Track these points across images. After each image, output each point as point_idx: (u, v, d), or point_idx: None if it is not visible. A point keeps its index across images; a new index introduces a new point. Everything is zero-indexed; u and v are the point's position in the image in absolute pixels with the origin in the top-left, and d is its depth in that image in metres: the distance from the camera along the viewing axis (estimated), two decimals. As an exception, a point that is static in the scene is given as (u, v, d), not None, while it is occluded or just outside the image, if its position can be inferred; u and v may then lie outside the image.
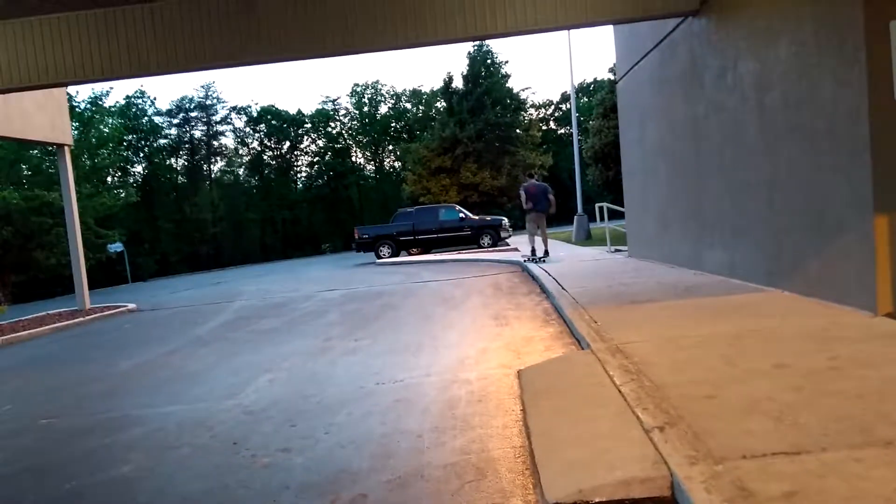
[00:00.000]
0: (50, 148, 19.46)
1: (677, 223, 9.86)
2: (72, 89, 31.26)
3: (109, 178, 41.60)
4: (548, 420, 3.73)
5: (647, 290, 7.65)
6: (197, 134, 52.33)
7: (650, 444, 2.93)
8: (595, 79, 51.59)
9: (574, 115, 23.79)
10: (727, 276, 7.83)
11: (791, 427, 2.91)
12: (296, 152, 54.87)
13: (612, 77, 14.52)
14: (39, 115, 14.10)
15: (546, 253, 13.83)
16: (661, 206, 10.67)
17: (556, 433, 3.49)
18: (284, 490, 3.27)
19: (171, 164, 51.56)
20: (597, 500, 2.69)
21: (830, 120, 5.46)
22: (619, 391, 3.74)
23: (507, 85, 44.12)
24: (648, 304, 6.70)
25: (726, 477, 2.50)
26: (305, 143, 54.80)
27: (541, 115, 53.78)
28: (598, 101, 28.64)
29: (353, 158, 55.31)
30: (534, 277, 10.98)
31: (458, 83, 43.22)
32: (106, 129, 37.86)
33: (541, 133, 47.20)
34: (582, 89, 50.61)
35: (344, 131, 55.36)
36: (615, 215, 16.25)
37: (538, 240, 13.86)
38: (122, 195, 38.57)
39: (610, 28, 12.95)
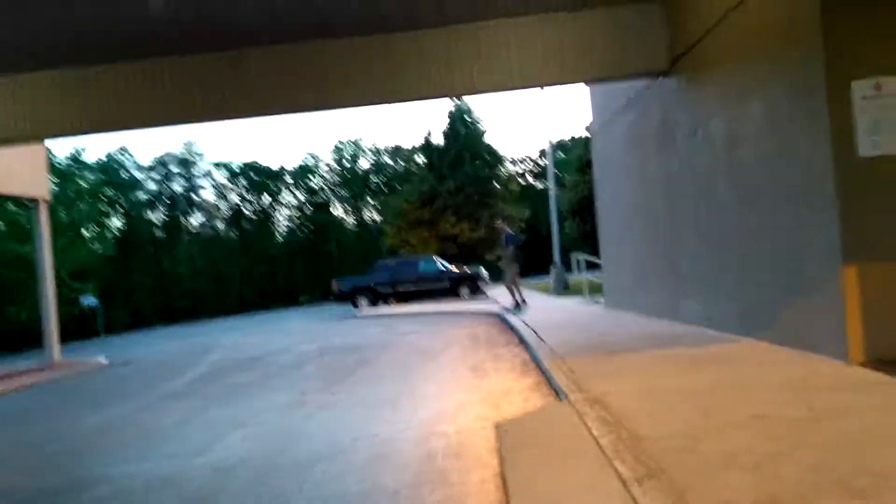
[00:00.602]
0: (26, 202, 19.25)
1: (653, 275, 9.96)
2: (51, 144, 31.22)
3: (86, 233, 41.21)
4: (526, 474, 3.66)
5: (624, 341, 7.66)
6: (177, 188, 52.27)
7: (629, 498, 2.89)
8: (572, 137, 52.73)
9: (551, 169, 24.21)
10: (704, 326, 7.88)
11: (769, 479, 2.89)
12: (276, 206, 54.94)
13: (588, 135, 14.95)
14: (18, 169, 14.02)
15: (521, 303, 13.95)
16: (638, 259, 10.79)
17: (533, 487, 3.43)
18: (254, 551, 3.15)
19: (149, 219, 51.23)
20: (575, 556, 2.63)
21: (800, 176, 5.61)
22: (598, 443, 3.70)
23: (485, 140, 44.93)
24: (626, 355, 6.70)
25: (705, 530, 2.46)
26: (286, 197, 54.97)
27: (519, 171, 54.71)
28: (575, 156, 29.35)
29: (333, 211, 55.49)
30: (512, 328, 10.96)
31: (437, 139, 43.94)
32: (84, 184, 37.71)
33: (519, 188, 47.89)
34: (559, 146, 51.67)
35: (325, 185, 55.70)
36: (591, 266, 16.38)
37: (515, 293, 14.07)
38: (100, 250, 38.19)
39: (587, 87, 13.34)
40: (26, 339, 27.73)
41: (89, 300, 30.11)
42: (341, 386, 7.64)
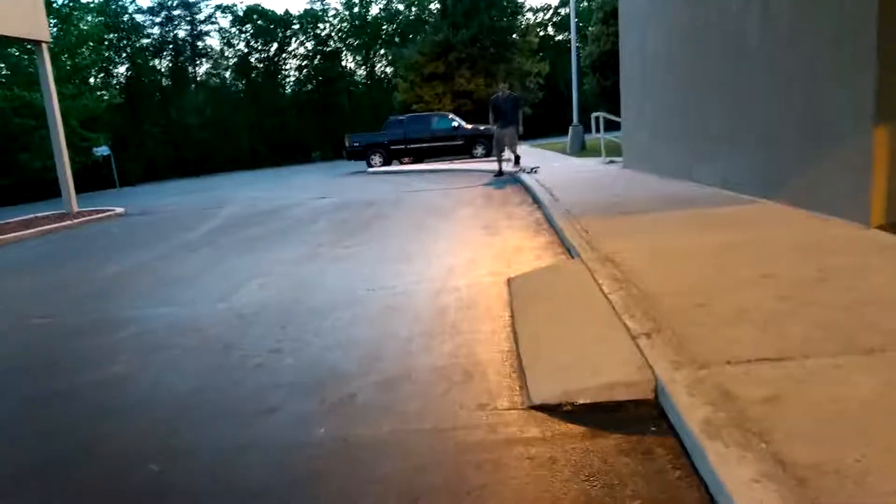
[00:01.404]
0: (28, 45, 18.67)
1: (673, 134, 9.70)
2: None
3: (92, 80, 40.35)
4: (535, 326, 3.76)
5: (639, 201, 7.61)
6: (181, 34, 50.48)
7: (636, 350, 2.97)
8: (596, -18, 49.55)
9: (573, 20, 22.93)
10: (720, 187, 7.78)
11: (775, 335, 2.95)
12: (283, 55, 53.14)
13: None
14: (14, 10, 13.43)
15: (517, 160, 13.94)
16: (658, 117, 10.46)
17: (543, 338, 3.53)
18: (275, 389, 3.32)
19: (154, 66, 49.91)
20: (581, 401, 2.75)
21: (836, 26, 5.25)
22: (608, 299, 3.76)
23: (503, -14, 42.32)
24: (640, 215, 6.68)
25: (709, 381, 2.54)
26: (293, 45, 52.99)
27: (538, 20, 51.97)
28: (598, 5, 27.59)
29: (344, 63, 53.69)
30: (526, 188, 10.90)
31: (453, -17, 41.39)
32: (85, 27, 36.36)
33: (538, 39, 45.73)
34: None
35: (333, 34, 53.44)
36: (611, 126, 15.99)
37: (505, 155, 14.02)
38: (106, 97, 37.55)
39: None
40: (42, 188, 28.14)
41: (102, 150, 30.07)
42: (354, 240, 7.74)
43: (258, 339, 4.19)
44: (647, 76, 10.98)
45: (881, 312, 3.10)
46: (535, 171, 13.06)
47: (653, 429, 2.53)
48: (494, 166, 14.53)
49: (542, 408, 2.79)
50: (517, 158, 14.11)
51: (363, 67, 54.87)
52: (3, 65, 31.29)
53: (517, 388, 3.03)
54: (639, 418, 2.61)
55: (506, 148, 13.92)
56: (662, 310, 3.45)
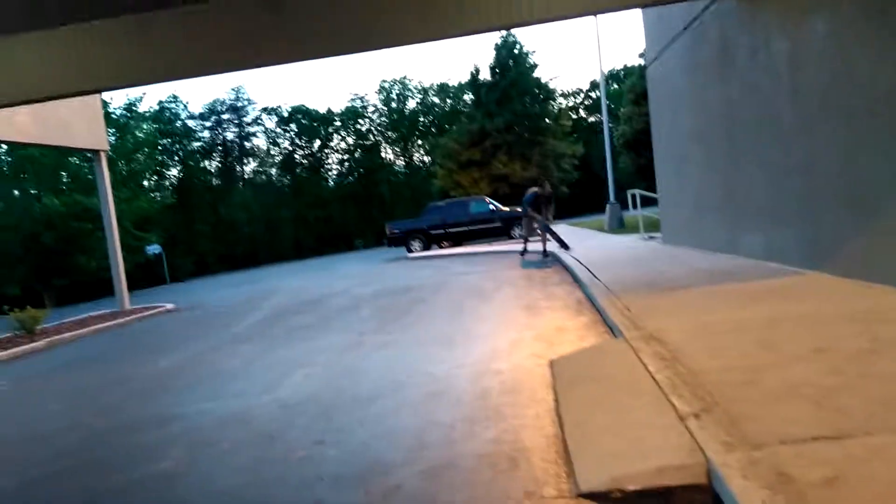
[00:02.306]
0: (88, 154, 19.95)
1: (712, 208, 9.67)
2: (106, 96, 32.02)
3: (146, 182, 42.55)
4: (581, 409, 3.69)
5: (681, 277, 7.53)
6: (229, 136, 53.19)
7: (685, 432, 2.88)
8: (625, 65, 50.89)
9: (604, 102, 23.48)
10: (764, 259, 7.66)
11: (832, 412, 2.83)
12: (326, 150, 55.34)
13: (643, 63, 14.31)
14: (76, 123, 14.47)
15: (544, 253, 14.15)
16: (696, 192, 10.47)
17: (589, 422, 3.46)
18: (319, 482, 3.30)
19: (204, 167, 52.44)
20: (631, 488, 2.66)
21: (869, 100, 5.28)
22: (654, 379, 3.68)
23: (534, 75, 43.71)
24: (683, 291, 6.59)
25: (765, 463, 2.44)
26: (336, 140, 55.23)
27: (570, 104, 53.26)
28: (628, 87, 28.26)
29: (383, 154, 55.55)
30: (566, 267, 10.89)
31: (485, 75, 42.99)
32: (141, 135, 38.72)
33: (571, 122, 46.71)
34: (611, 76, 50.03)
35: (373, 128, 55.62)
36: (648, 202, 16.02)
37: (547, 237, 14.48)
38: (159, 198, 39.45)
39: (639, 13, 12.75)
40: (97, 288, 29.26)
41: (154, 248, 31.32)
42: (396, 326, 7.79)
43: (303, 431, 4.20)
44: (681, 153, 11.08)
45: (943, 384, 2.96)
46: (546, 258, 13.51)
47: (707, 515, 2.42)
48: (533, 247, 14.75)
49: (591, 496, 2.71)
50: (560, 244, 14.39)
51: (402, 158, 56.65)
52: (64, 173, 33.32)
53: (564, 476, 2.95)
54: (691, 503, 2.51)
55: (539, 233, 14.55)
56: (711, 388, 3.36)
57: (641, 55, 29.15)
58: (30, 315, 12.93)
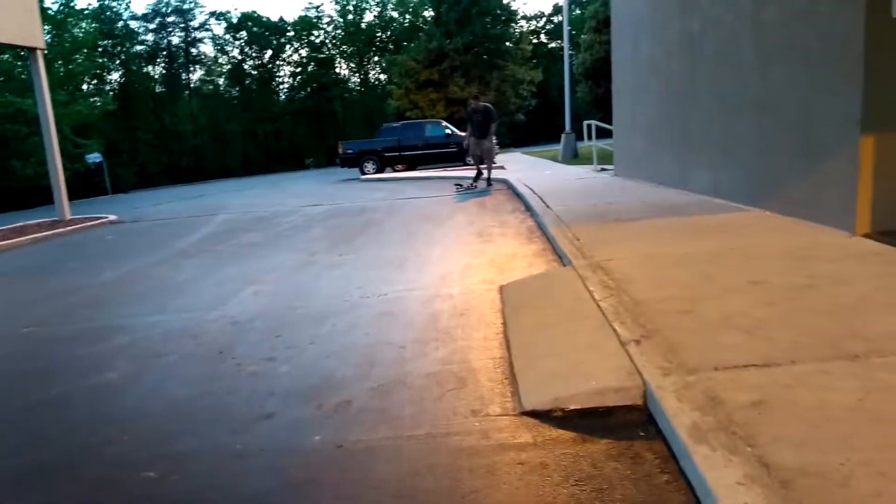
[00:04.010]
0: (21, 52, 18.68)
1: (665, 143, 9.80)
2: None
3: (85, 86, 40.34)
4: (527, 333, 3.82)
5: (630, 209, 7.69)
6: (175, 41, 50.47)
7: (626, 357, 3.02)
8: (588, -10, 49.90)
9: (566, 28, 23.09)
10: (711, 196, 7.87)
11: (763, 341, 3.01)
12: (278, 62, 53.21)
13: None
14: (8, 17, 13.43)
15: (487, 182, 13.35)
16: (651, 126, 10.57)
17: (535, 345, 3.59)
18: (270, 396, 3.36)
19: (148, 73, 49.84)
20: (571, 407, 2.80)
21: (826, 38, 5.35)
22: (599, 306, 3.82)
23: (496, -6, 42.51)
24: (631, 223, 6.76)
25: (697, 387, 2.60)
26: (288, 52, 53.08)
27: (532, 28, 52.26)
28: (590, 13, 27.76)
29: (338, 70, 53.79)
30: (518, 195, 10.97)
31: (446, -9, 41.56)
32: (80, 34, 36.37)
33: (531, 47, 45.95)
34: (576, 2, 49.03)
35: (328, 41, 53.56)
36: (603, 134, 16.10)
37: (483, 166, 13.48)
38: (99, 103, 37.53)
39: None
40: (33, 195, 28.05)
41: (94, 157, 30.02)
42: (349, 247, 7.78)
43: (253, 347, 4.23)
44: (639, 84, 11.09)
45: (865, 319, 3.17)
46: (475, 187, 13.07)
47: (641, 434, 2.58)
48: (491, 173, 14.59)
49: (534, 414, 2.84)
50: (478, 174, 13.51)
51: (357, 74, 54.99)
52: (-3, 71, 31.28)
53: (509, 395, 3.08)
54: (628, 423, 2.67)
55: (482, 159, 13.42)
56: (652, 316, 3.51)
57: (606, -19, 28.52)
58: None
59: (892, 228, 4.93)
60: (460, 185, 13.60)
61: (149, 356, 4.26)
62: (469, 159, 13.91)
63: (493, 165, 14.10)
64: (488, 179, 13.55)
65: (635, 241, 5.73)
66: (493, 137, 13.33)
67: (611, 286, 4.21)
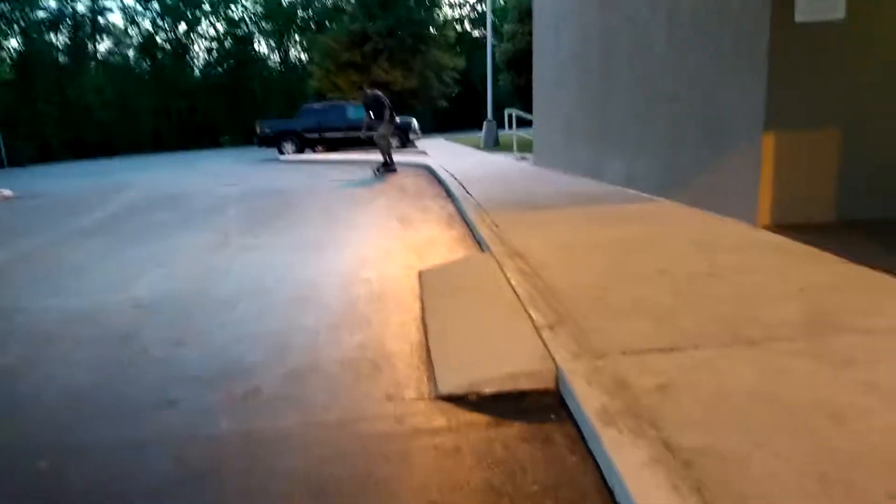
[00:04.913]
0: None
1: (583, 133, 10.03)
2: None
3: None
4: (445, 318, 3.82)
5: (548, 197, 7.83)
6: (80, 8, 47.41)
7: (539, 341, 3.07)
8: (513, -20, 50.33)
9: (489, 16, 23.23)
10: (625, 186, 8.13)
11: (668, 327, 3.12)
12: (192, 36, 50.96)
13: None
14: None
15: (384, 166, 13.76)
16: (569, 116, 10.79)
17: (452, 330, 3.59)
18: (176, 382, 3.21)
19: (50, 41, 46.60)
20: (486, 391, 2.81)
21: (734, 35, 5.59)
22: (515, 292, 3.86)
23: (421, -21, 42.24)
24: (548, 211, 6.88)
25: (606, 371, 2.66)
26: (204, 26, 50.91)
27: (456, 16, 52.30)
28: (513, 3, 28.04)
29: (256, 47, 52.10)
30: (440, 181, 10.98)
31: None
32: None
33: (455, 34, 45.99)
34: (499, -10, 49.34)
35: (246, 17, 51.73)
36: (523, 123, 16.33)
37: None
38: (-5, 72, 34.81)
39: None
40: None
41: (-12, 128, 27.88)
42: (265, 229, 7.57)
43: (160, 331, 4.03)
44: (559, 76, 11.29)
45: (762, 306, 3.34)
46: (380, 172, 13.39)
47: (553, 417, 2.62)
48: (410, 158, 14.58)
49: (449, 398, 2.84)
50: (385, 162, 13.82)
51: (276, 53, 53.45)
52: None
53: (425, 380, 3.07)
54: (540, 407, 2.71)
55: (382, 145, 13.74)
56: (565, 302, 3.57)
57: (530, -28, 28.86)
58: None
59: (790, 222, 5.24)
60: (379, 170, 13.56)
61: (43, 341, 3.99)
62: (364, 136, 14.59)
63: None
64: (385, 164, 13.79)
65: (551, 228, 5.84)
66: (391, 124, 13.72)
67: (527, 272, 4.26)
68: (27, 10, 44.36)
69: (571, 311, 3.41)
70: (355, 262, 5.61)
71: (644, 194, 7.46)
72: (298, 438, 2.60)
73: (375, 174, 13.42)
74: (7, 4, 42.27)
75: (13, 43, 44.25)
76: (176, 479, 2.38)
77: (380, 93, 13.79)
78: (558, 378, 2.76)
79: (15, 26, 44.05)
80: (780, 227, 5.19)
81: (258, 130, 22.72)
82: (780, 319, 3.14)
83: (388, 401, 2.88)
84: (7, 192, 13.88)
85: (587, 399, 2.45)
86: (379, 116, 13.40)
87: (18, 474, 2.46)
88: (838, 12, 5.04)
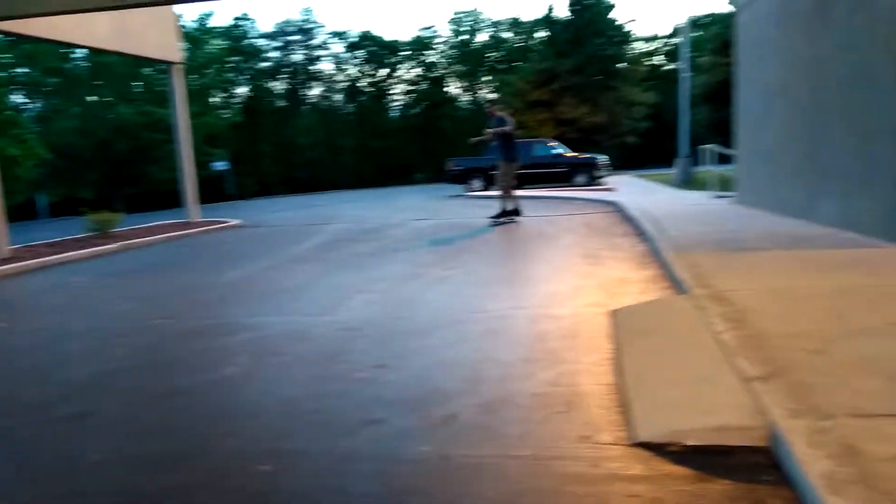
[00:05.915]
0: (161, 66, 20.36)
1: (790, 171, 9.24)
2: (179, 10, 32.27)
3: (214, 99, 43.27)
4: (641, 361, 3.68)
5: (753, 238, 7.29)
6: (297, 58, 53.24)
7: (749, 394, 2.84)
8: (711, 14, 48.19)
9: (685, 48, 22.40)
10: (840, 228, 7.33)
11: (908, 389, 2.75)
12: (391, 80, 54.90)
13: (732, 9, 13.46)
14: (151, 33, 14.70)
15: (514, 212, 11.81)
16: (775, 151, 10.01)
17: (649, 374, 3.45)
18: (378, 402, 3.42)
19: (271, 88, 52.81)
20: (689, 442, 2.66)
21: None
22: (719, 339, 3.63)
23: (610, 16, 41.90)
24: (752, 253, 6.40)
25: (832, 434, 2.40)
26: (402, 70, 54.68)
27: (647, 50, 51.11)
28: (712, 35, 26.82)
29: (449, 88, 54.80)
30: (630, 219, 10.69)
31: (561, 12, 41.51)
32: (212, 50, 39.17)
33: (647, 70, 44.93)
34: (696, 24, 47.47)
35: (441, 59, 54.72)
36: (721, 160, 15.43)
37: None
38: (227, 115, 40.14)
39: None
40: (164, 199, 30.32)
41: (221, 164, 32.06)
42: (455, 262, 7.85)
43: (362, 353, 4.33)
44: (764, 109, 10.56)
45: None
46: (512, 221, 11.49)
47: (766, 478, 2.41)
48: (597, 195, 14.33)
49: (647, 446, 2.72)
50: (504, 210, 11.76)
51: (468, 93, 55.77)
52: (141, 83, 34.17)
53: (620, 424, 2.97)
54: (750, 466, 2.50)
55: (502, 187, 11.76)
56: (778, 353, 3.29)
57: (731, 1, 27.49)
58: (106, 218, 13.55)
59: None
60: (498, 219, 11.74)
61: (265, 354, 4.46)
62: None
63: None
64: (504, 211, 11.80)
65: (758, 271, 5.42)
66: (512, 162, 11.68)
67: (732, 318, 3.99)
68: (253, 61, 50.81)
69: (785, 364, 3.13)
70: (544, 298, 5.62)
71: (864, 238, 6.68)
72: (494, 468, 2.63)
73: (496, 222, 11.58)
74: (238, 56, 48.73)
75: (242, 90, 50.81)
76: (380, 493, 2.52)
77: (508, 118, 11.61)
78: (773, 436, 2.54)
79: (244, 75, 50.57)
80: None
81: (448, 168, 23.74)
82: None
83: (581, 442, 2.82)
84: (235, 222, 15.83)
85: (810, 463, 2.22)
86: (500, 148, 11.43)
87: (245, 475, 2.76)
88: None
